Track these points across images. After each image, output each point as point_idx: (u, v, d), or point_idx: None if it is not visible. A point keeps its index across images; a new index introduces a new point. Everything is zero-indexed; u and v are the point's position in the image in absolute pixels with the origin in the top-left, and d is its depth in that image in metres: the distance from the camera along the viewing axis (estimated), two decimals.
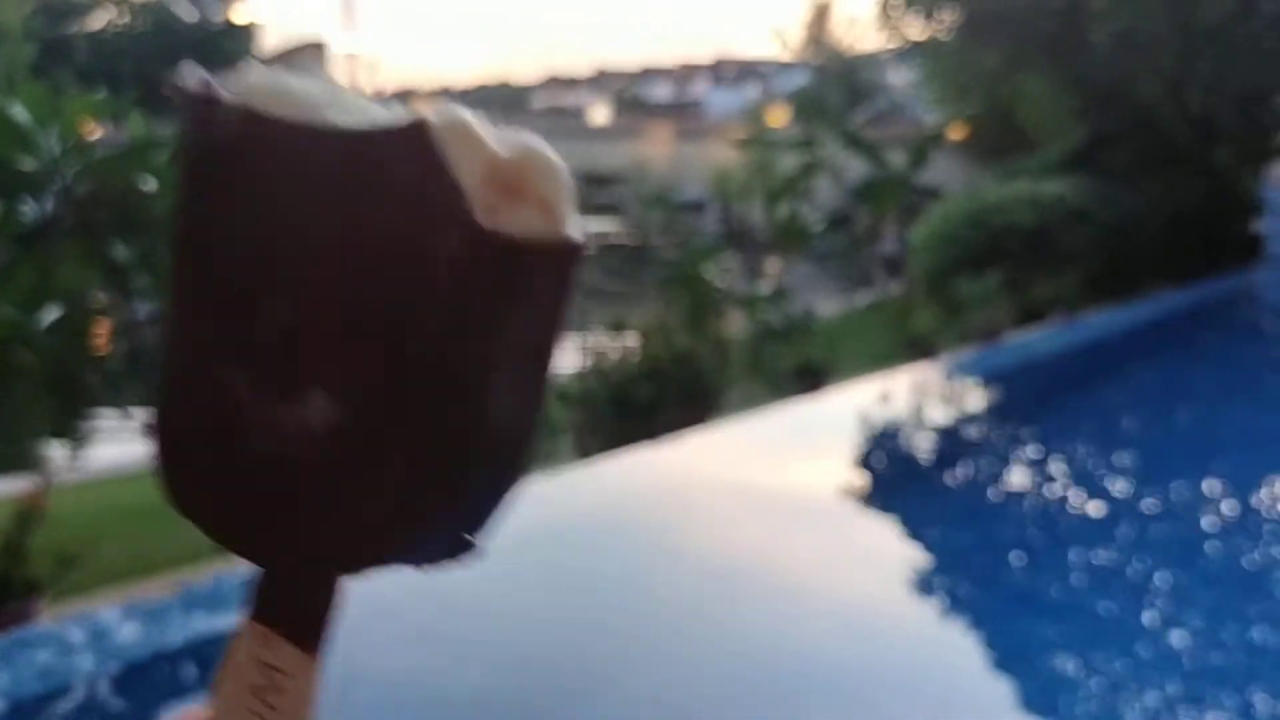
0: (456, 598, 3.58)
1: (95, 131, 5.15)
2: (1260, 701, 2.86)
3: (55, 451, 5.14)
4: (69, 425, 5.30)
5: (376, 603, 3.38)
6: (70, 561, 4.82)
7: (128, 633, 3.05)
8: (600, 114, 51.69)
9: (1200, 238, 14.40)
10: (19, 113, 4.48)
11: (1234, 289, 13.70)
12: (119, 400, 5.43)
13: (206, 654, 2.98)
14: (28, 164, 4.48)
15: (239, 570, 3.42)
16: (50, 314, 5.09)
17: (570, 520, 4.47)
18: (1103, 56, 13.02)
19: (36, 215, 4.62)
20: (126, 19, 67.30)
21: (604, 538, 4.29)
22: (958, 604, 3.66)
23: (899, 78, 29.84)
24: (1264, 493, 5.13)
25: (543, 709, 2.84)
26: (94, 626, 3.10)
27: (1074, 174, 13.51)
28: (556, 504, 4.80)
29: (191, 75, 0.42)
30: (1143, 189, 14.00)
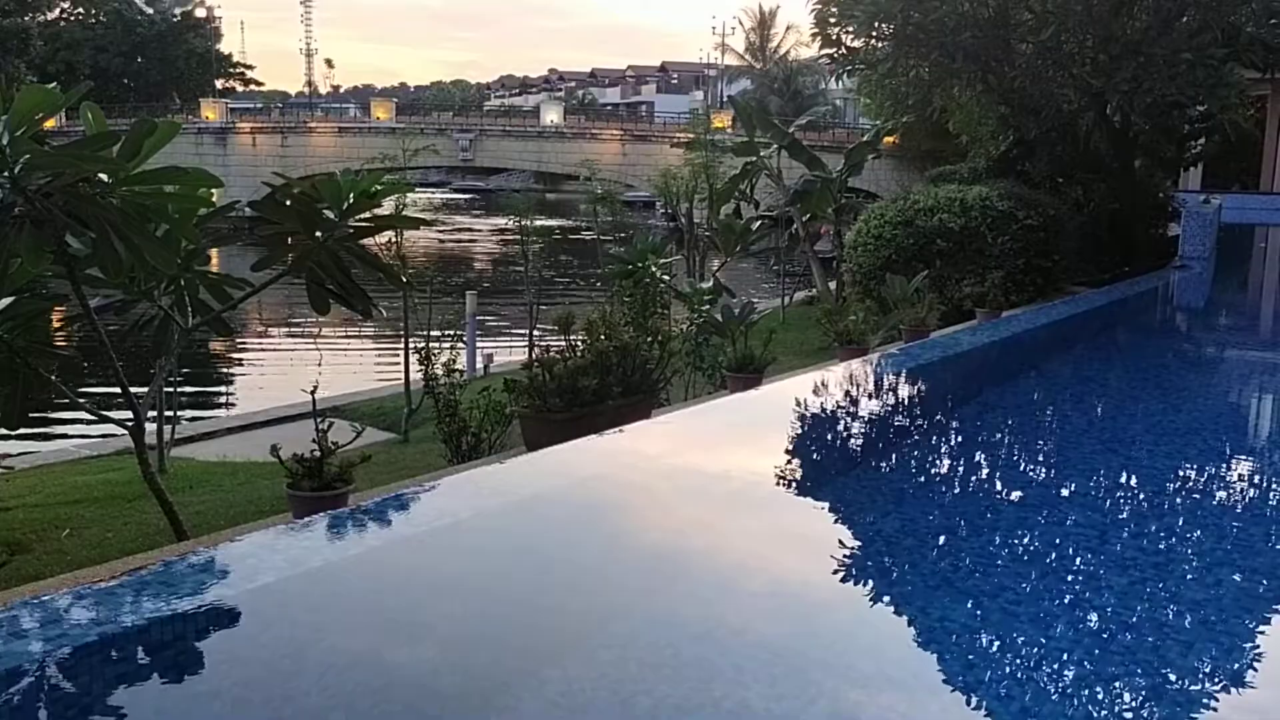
0: (406, 581, 3.72)
1: (49, 123, 5.09)
2: (1170, 678, 3.03)
3: (8, 438, 5.14)
4: (22, 413, 5.31)
5: (322, 586, 3.51)
6: (21, 547, 4.87)
7: (79, 616, 3.08)
8: (553, 115, 51.33)
9: (1118, 240, 14.95)
10: None
11: (1149, 289, 14.16)
12: (73, 388, 5.45)
13: (156, 639, 3.05)
14: None
15: (189, 556, 3.54)
16: (2, 303, 5.09)
17: (518, 506, 4.61)
18: (1027, 68, 13.44)
19: None
20: (83, 10, 64.14)
21: (551, 523, 4.44)
22: (886, 585, 3.80)
23: (837, 86, 30.33)
24: (1174, 481, 5.43)
25: (490, 688, 2.94)
26: (44, 611, 3.13)
27: (1000, 179, 13.97)
28: (505, 491, 4.94)
29: None
30: (1064, 194, 14.51)
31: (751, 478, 5.12)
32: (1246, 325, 12.87)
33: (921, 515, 4.70)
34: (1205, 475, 5.62)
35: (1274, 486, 5.49)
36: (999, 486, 5.33)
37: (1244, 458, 6.13)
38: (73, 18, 63.39)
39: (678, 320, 10.39)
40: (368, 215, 5.38)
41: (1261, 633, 3.48)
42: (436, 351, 8.49)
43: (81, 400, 5.49)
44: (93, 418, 5.91)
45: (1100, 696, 2.96)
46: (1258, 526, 4.69)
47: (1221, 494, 5.31)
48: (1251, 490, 5.36)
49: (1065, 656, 3.19)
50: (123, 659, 2.99)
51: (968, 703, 2.92)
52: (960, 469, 5.71)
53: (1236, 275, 17.65)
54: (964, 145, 18.61)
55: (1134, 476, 5.45)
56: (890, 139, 23.87)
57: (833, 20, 14.32)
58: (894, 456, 5.99)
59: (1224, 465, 5.88)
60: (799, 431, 6.31)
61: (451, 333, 9.14)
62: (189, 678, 2.99)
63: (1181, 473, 5.61)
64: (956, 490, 5.25)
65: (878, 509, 4.84)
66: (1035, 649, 3.27)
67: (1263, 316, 13.81)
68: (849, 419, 6.78)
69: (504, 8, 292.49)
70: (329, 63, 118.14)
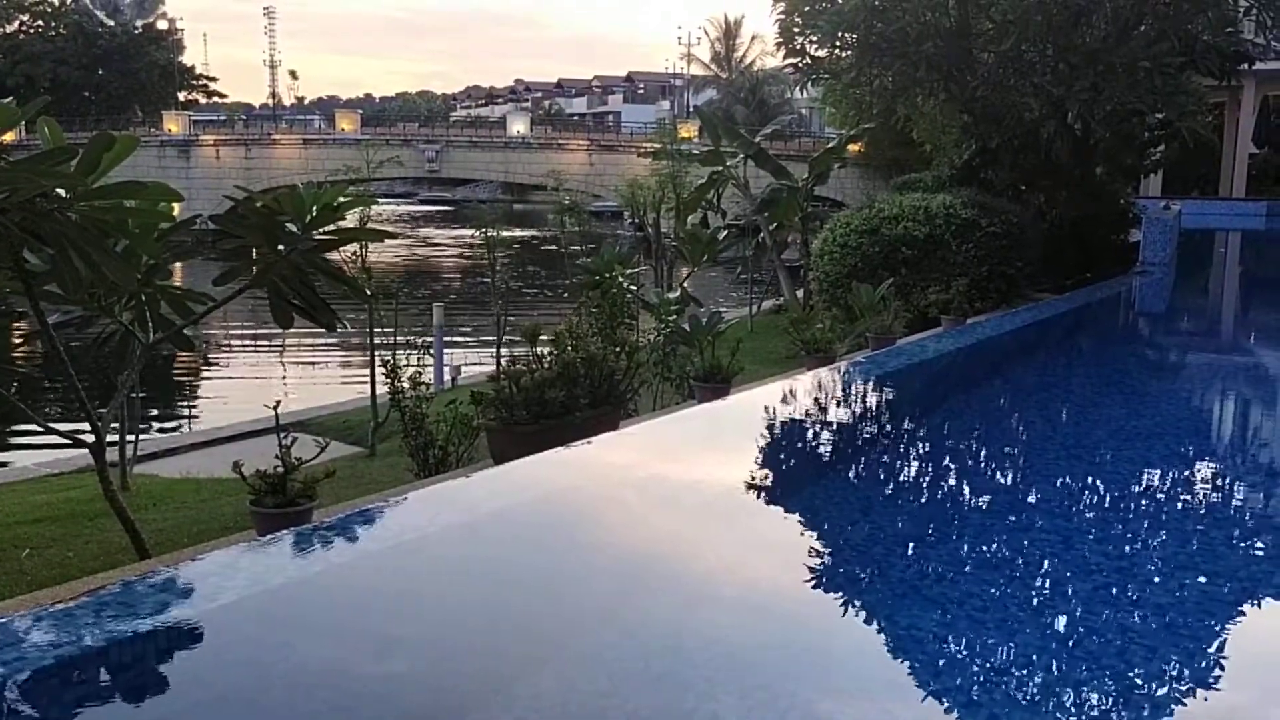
0: (371, 597, 3.69)
1: (7, 136, 5.01)
2: (1136, 681, 3.05)
3: None
4: None
5: (286, 603, 3.47)
6: None
7: (38, 638, 3.03)
8: (519, 125, 51.33)
9: (1080, 247, 15.15)
10: None
11: (1111, 294, 14.34)
12: (32, 405, 5.34)
13: (117, 659, 3.01)
14: None
15: (150, 575, 3.49)
16: None
17: (486, 519, 4.59)
18: (989, 77, 13.61)
19: None
20: (42, 23, 63.69)
21: (518, 536, 4.41)
22: (856, 593, 3.83)
23: (802, 95, 30.55)
24: (1137, 484, 5.50)
25: (460, 704, 2.93)
26: (3, 632, 3.07)
27: (963, 187, 14.13)
28: (473, 504, 4.92)
29: None
30: (1027, 202, 14.70)
31: (720, 488, 5.12)
32: (1206, 329, 13.08)
33: (890, 522, 4.72)
34: (1168, 478, 5.69)
35: (1235, 487, 5.57)
36: (966, 492, 5.36)
37: (1205, 460, 6.22)
38: (32, 30, 62.60)
39: (645, 330, 10.38)
40: (331, 228, 5.34)
41: (1228, 633, 3.52)
42: (404, 364, 8.42)
43: (39, 417, 5.40)
44: (55, 435, 5.82)
45: (1068, 701, 2.98)
46: (1219, 530, 4.75)
47: (1185, 496, 5.38)
48: (1213, 492, 5.44)
49: (1034, 661, 3.21)
50: (83, 680, 2.95)
51: (939, 709, 2.93)
52: (928, 475, 5.74)
53: (1197, 280, 17.94)
54: (928, 154, 18.80)
55: (1098, 480, 5.50)
56: (855, 147, 24.08)
57: (797, 30, 14.45)
58: (862, 464, 6.02)
59: (1186, 468, 5.96)
60: (767, 441, 6.33)
61: (419, 343, 9.06)
62: (151, 699, 2.95)
63: (1144, 476, 5.68)
64: (924, 497, 5.28)
65: (847, 517, 4.86)
66: (1004, 654, 3.29)
67: (1223, 320, 14.04)
68: (817, 427, 6.81)
69: (469, 18, 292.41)
70: (293, 74, 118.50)
